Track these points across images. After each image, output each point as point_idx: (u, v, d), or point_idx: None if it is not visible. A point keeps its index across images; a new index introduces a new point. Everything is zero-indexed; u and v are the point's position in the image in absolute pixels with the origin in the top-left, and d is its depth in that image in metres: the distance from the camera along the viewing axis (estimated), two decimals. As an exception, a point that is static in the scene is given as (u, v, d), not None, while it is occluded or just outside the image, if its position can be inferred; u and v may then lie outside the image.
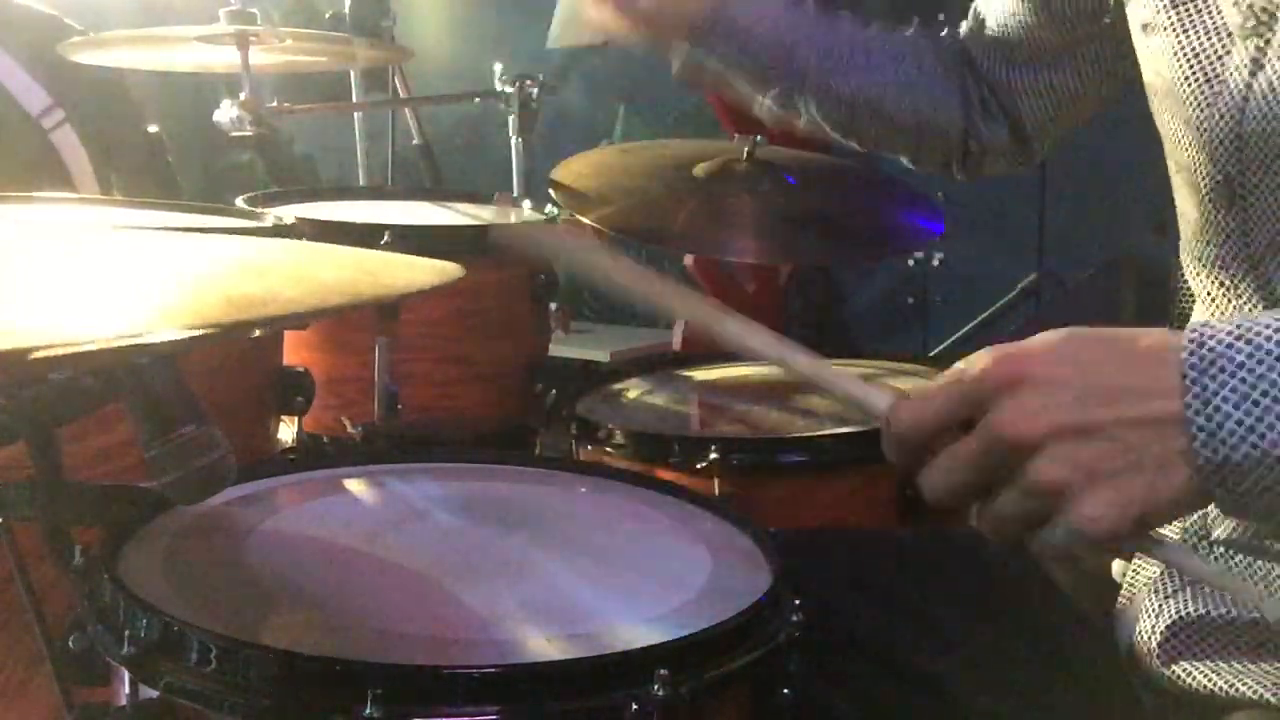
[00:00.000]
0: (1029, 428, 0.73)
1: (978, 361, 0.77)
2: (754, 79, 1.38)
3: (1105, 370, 0.75)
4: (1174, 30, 1.02)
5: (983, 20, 1.37)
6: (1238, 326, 0.74)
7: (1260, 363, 0.72)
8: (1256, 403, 0.72)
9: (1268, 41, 0.94)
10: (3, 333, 0.60)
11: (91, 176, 2.35)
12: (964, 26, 1.42)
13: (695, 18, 1.34)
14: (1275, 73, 0.93)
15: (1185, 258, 1.08)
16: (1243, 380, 0.72)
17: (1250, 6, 0.95)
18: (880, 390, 0.82)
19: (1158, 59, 1.05)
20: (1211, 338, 0.74)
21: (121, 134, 2.45)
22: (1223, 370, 0.73)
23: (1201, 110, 0.99)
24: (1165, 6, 1.03)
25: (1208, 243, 1.03)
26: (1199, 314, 1.08)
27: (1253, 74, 0.95)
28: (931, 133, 1.40)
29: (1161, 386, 0.73)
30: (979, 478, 0.76)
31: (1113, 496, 0.72)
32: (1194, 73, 1.00)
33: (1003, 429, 0.74)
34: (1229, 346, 0.73)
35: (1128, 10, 1.11)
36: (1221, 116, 0.97)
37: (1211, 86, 0.98)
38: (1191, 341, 0.74)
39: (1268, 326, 0.74)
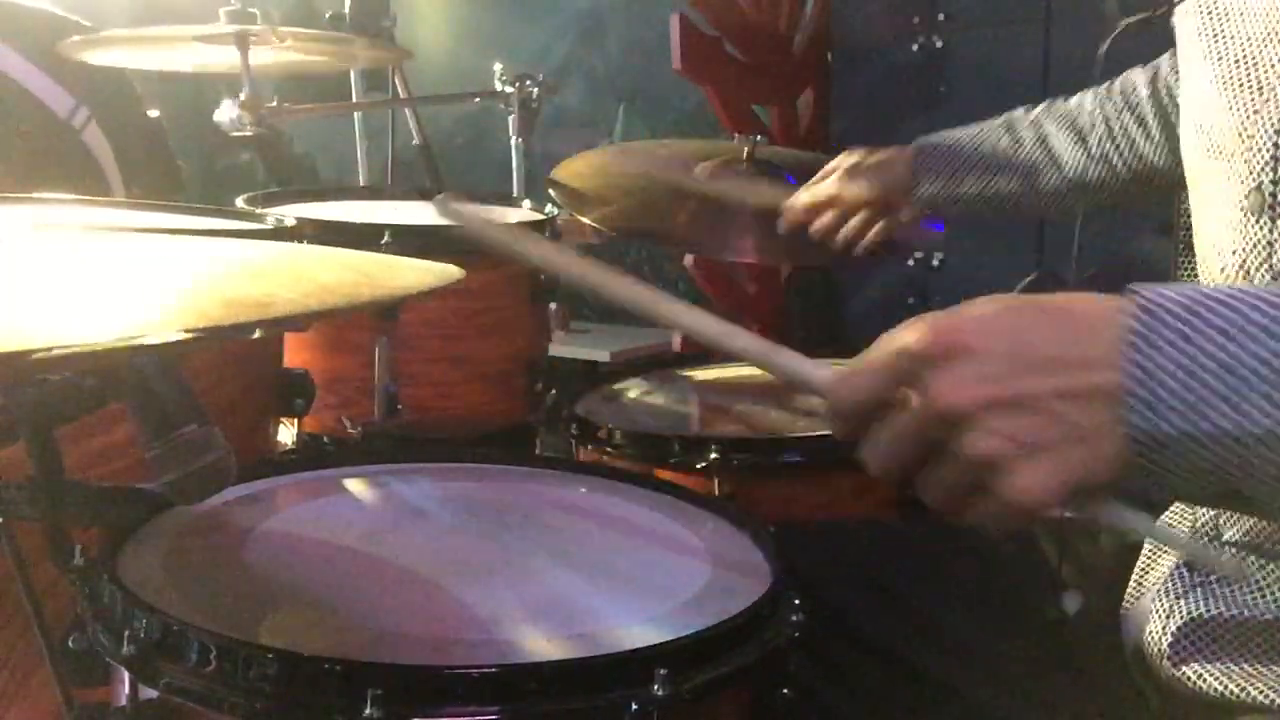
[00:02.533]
0: (962, 399, 0.72)
1: (911, 332, 0.76)
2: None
3: (1042, 340, 0.74)
4: (1225, 37, 1.04)
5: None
6: (1189, 298, 0.72)
7: (1208, 340, 0.70)
8: (1199, 379, 0.70)
9: None
10: (3, 333, 0.60)
11: (118, 173, 2.36)
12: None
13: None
14: None
15: (1204, 271, 1.07)
16: (1186, 355, 0.70)
17: None
18: (820, 366, 0.81)
19: (1204, 65, 1.06)
20: (1160, 307, 0.72)
21: (130, 124, 2.45)
22: (1168, 343, 0.71)
23: (1246, 118, 1.00)
24: (1215, 13, 1.04)
25: (1233, 252, 1.02)
26: None
27: None
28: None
29: (1100, 357, 0.72)
30: (917, 450, 0.75)
31: (1046, 469, 0.71)
32: (1242, 80, 1.01)
33: (936, 401, 0.73)
34: (1177, 318, 0.71)
35: (1175, 18, 1.12)
36: (1264, 125, 0.98)
37: (1261, 95, 0.99)
38: (1140, 309, 0.72)
39: (1218, 302, 0.71)
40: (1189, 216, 1.14)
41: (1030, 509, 0.71)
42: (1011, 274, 3.07)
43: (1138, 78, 1.46)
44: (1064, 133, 1.51)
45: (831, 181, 1.64)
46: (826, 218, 1.64)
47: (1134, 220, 2.51)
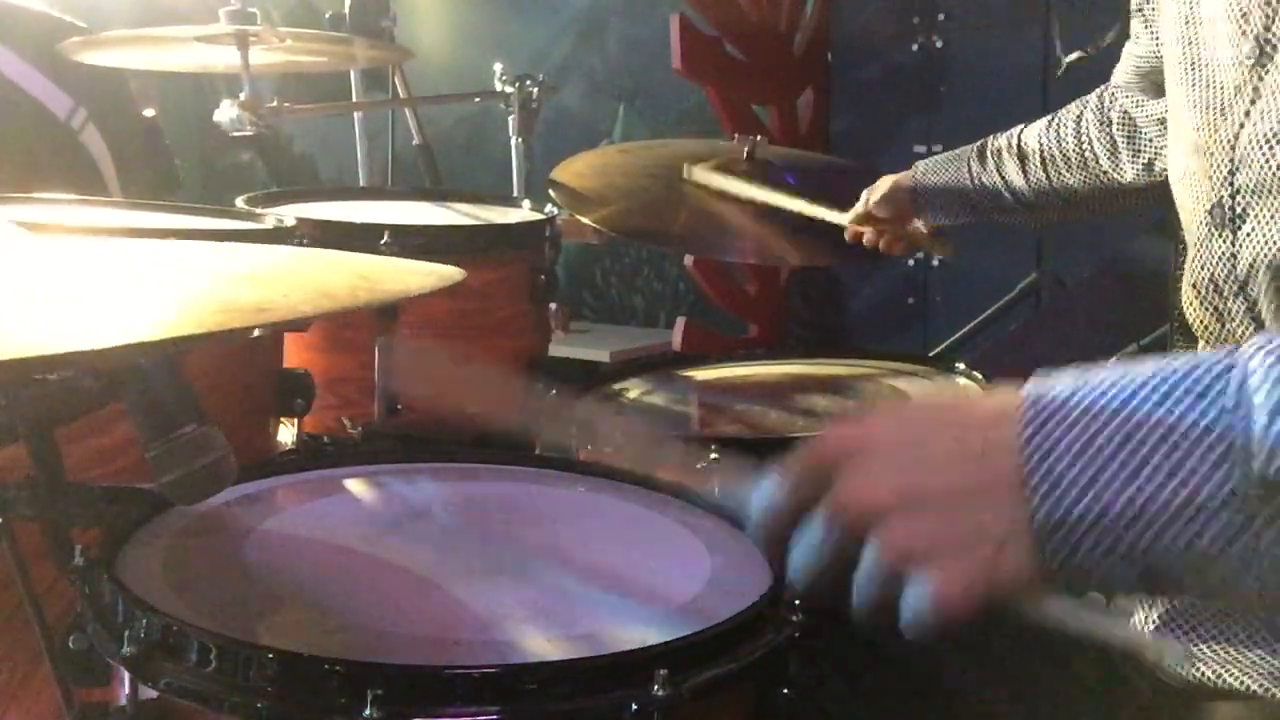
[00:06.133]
0: (870, 494, 0.72)
1: (815, 441, 0.75)
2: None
3: (946, 435, 0.73)
4: (1189, 63, 1.08)
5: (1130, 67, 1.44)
6: (1075, 380, 0.71)
7: (1096, 418, 0.68)
8: (1093, 458, 0.68)
9: (1266, 71, 0.99)
10: (4, 334, 0.60)
11: (114, 174, 2.36)
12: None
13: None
14: (1269, 104, 0.98)
15: (1185, 288, 1.11)
16: (1080, 433, 0.68)
17: (1257, 37, 0.99)
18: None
19: (1175, 88, 1.10)
20: (1049, 393, 0.71)
21: (125, 123, 2.45)
22: (1060, 424, 0.69)
23: (1208, 136, 1.04)
24: (1183, 40, 1.08)
25: (1203, 265, 1.07)
26: (1200, 347, 1.11)
27: (1251, 102, 1.00)
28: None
29: (1000, 448, 0.70)
30: (837, 553, 0.73)
31: (958, 568, 0.69)
32: (1205, 100, 1.05)
33: (845, 499, 0.72)
34: (1064, 402, 0.70)
35: (1161, 38, 1.17)
36: (1222, 143, 1.03)
37: (1221, 114, 1.03)
38: (1029, 397, 0.71)
39: (1104, 380, 0.70)
40: None
41: (951, 609, 0.69)
42: (1011, 274, 3.07)
43: (1073, 113, 1.59)
44: (1013, 162, 1.65)
45: (861, 204, 1.78)
46: (868, 235, 1.80)
47: (1134, 220, 2.51)
